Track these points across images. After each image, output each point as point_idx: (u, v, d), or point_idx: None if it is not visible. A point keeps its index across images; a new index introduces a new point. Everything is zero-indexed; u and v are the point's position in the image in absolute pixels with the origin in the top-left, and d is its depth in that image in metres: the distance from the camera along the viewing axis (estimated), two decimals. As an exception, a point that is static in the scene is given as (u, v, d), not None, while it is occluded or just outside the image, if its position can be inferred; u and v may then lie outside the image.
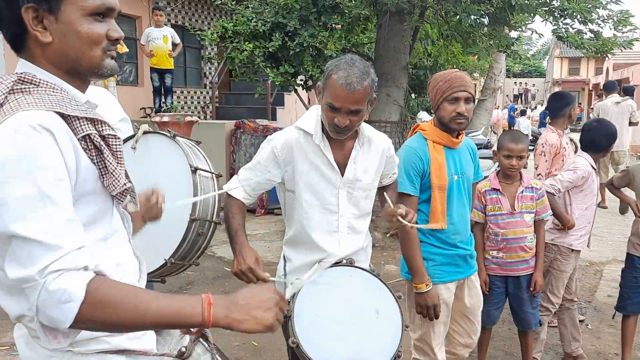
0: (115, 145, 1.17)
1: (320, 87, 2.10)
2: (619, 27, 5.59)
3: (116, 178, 1.16)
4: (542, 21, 5.86)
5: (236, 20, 5.80)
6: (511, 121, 24.37)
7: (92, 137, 1.12)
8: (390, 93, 6.37)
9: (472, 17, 5.32)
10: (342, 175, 2.17)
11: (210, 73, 12.52)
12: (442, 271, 2.64)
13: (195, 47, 12.08)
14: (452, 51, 7.74)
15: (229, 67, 6.49)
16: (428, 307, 2.51)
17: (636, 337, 3.72)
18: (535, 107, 29.59)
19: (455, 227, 2.63)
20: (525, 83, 43.66)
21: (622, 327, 3.57)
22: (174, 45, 8.58)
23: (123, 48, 6.92)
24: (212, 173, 2.34)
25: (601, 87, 29.37)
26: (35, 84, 1.11)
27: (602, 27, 5.57)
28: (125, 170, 1.22)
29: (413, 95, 8.64)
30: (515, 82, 41.83)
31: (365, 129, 2.22)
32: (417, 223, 2.20)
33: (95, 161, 1.13)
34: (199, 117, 7.84)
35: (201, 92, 12.37)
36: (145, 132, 2.27)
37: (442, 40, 7.25)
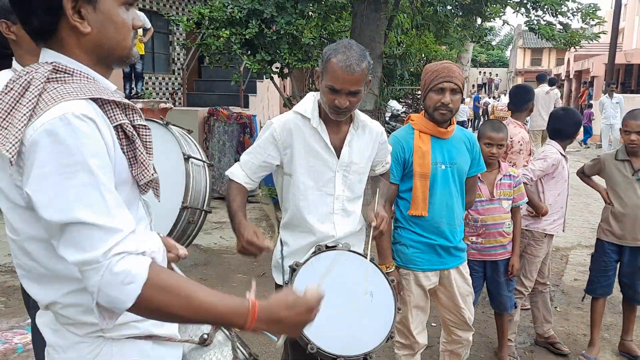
0: (146, 135, 1.19)
1: (318, 72, 2.15)
2: (587, 20, 5.78)
3: (146, 168, 1.18)
4: (513, 12, 6.01)
5: (212, 6, 5.74)
6: (476, 110, 24.84)
7: (124, 126, 1.14)
8: (366, 82, 6.42)
9: (448, 7, 5.41)
10: (338, 158, 2.23)
11: (178, 59, 12.34)
12: (422, 259, 2.72)
13: (163, 32, 11.88)
14: (423, 40, 7.83)
15: (204, 53, 6.42)
16: None
17: (603, 319, 3.91)
18: (499, 97, 30.08)
19: (438, 215, 2.68)
20: (490, 73, 44.44)
21: (591, 309, 3.74)
22: (145, 30, 8.43)
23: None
24: (203, 162, 2.35)
25: (562, 77, 30.12)
26: (69, 74, 1.12)
27: (571, 20, 5.74)
28: None
29: (384, 84, 8.72)
30: (480, 72, 42.55)
31: (360, 114, 2.28)
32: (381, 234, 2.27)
33: (126, 150, 1.15)
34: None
35: (169, 78, 12.19)
36: (137, 120, 2.26)
37: (415, 30, 7.33)
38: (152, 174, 1.20)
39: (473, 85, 39.68)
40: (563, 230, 3.72)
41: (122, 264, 1.03)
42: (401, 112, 11.97)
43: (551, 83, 11.77)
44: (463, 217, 2.89)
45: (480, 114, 25.10)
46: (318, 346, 1.94)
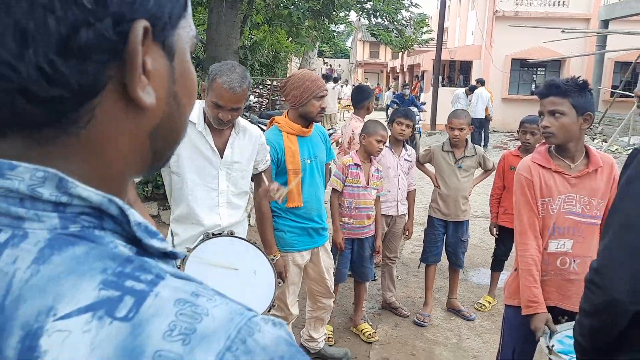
0: None
1: (204, 87, 2.44)
2: (418, 27, 6.65)
3: None
4: (357, 17, 6.71)
5: None
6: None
7: None
8: (223, 76, 6.68)
9: (300, 10, 5.88)
10: (222, 158, 2.54)
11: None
12: (297, 241, 3.16)
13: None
14: (275, 37, 8.27)
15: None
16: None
17: (434, 282, 4.71)
18: (341, 86, 31.67)
19: (310, 204, 3.14)
20: (331, 64, 46.48)
21: (425, 275, 4.50)
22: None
23: None
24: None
25: (397, 70, 32.59)
26: None
27: (405, 27, 6.56)
28: None
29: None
30: (324, 63, 44.27)
31: (241, 120, 2.61)
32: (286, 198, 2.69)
33: None
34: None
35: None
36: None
37: (268, 27, 7.73)
38: None
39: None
40: (397, 212, 4.33)
41: None
42: (253, 103, 12.33)
43: (335, 80, 16.11)
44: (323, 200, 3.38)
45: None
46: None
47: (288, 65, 17.62)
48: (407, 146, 4.41)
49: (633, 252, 1.37)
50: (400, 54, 30.79)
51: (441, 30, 19.44)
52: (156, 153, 0.55)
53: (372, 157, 3.85)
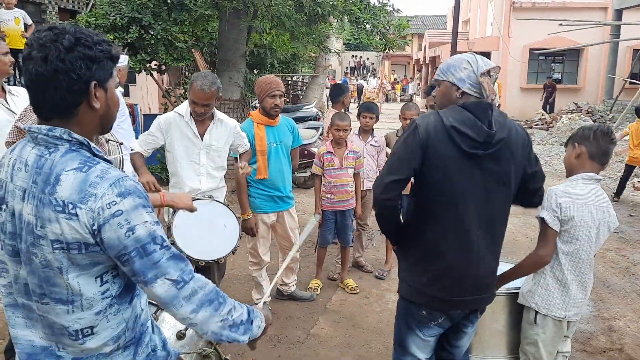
0: None
1: (188, 89, 3.49)
2: (400, 30, 7.57)
3: None
4: (348, 21, 7.66)
5: (97, 14, 6.73)
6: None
7: None
8: (232, 76, 7.78)
9: (292, 20, 6.90)
10: (202, 141, 3.58)
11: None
12: (265, 205, 4.17)
13: (37, 21, 12.21)
14: (282, 40, 9.30)
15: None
16: (247, 228, 4.04)
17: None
18: (368, 80, 32.30)
19: (274, 177, 4.12)
20: (361, 57, 47.10)
21: (385, 237, 5.46)
22: (26, 26, 9.02)
23: None
24: (116, 142, 3.60)
25: (421, 62, 33.03)
26: None
27: (387, 30, 7.50)
28: None
29: (255, 71, 10.06)
30: (352, 55, 44.91)
31: (218, 114, 3.64)
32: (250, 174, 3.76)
33: None
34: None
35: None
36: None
37: (274, 31, 8.77)
38: None
39: (346, 68, 42.12)
40: (363, 187, 5.21)
41: None
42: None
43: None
44: (291, 176, 4.37)
45: (355, 95, 27.05)
46: (187, 254, 3.28)
47: (319, 59, 18.64)
48: (375, 133, 5.34)
49: (389, 168, 2.33)
50: (423, 46, 31.33)
51: (456, 22, 20.06)
52: (103, 125, 1.52)
53: (345, 142, 4.76)
